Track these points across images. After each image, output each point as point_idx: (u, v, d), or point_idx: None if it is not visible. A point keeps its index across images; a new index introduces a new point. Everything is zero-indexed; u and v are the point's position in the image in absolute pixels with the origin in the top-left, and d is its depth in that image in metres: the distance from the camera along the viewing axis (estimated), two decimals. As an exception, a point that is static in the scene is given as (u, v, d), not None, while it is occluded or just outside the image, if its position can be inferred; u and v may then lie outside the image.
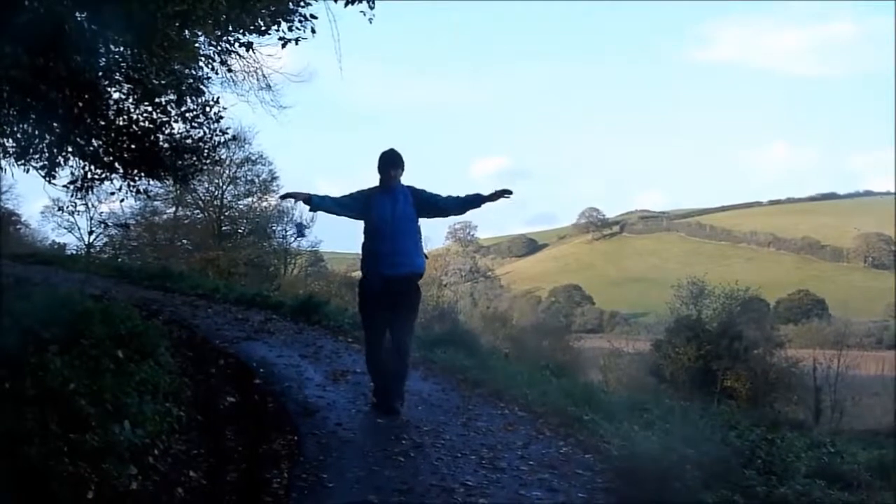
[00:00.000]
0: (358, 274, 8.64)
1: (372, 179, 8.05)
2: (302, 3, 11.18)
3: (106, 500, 4.75)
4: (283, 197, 8.10)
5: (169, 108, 12.91)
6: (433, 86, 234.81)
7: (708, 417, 10.12)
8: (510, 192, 7.91)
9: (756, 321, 38.11)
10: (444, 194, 8.14)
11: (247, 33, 11.56)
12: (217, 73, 12.81)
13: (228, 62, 12.68)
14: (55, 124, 11.53)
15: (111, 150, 13.26)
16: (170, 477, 5.70)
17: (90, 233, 37.03)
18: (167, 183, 20.36)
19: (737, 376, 31.20)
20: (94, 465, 4.94)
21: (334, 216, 7.91)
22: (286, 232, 40.56)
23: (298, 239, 37.45)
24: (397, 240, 7.87)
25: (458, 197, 8.10)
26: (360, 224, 8.12)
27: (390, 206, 7.87)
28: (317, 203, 7.80)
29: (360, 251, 8.19)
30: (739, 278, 41.39)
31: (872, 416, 30.97)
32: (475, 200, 8.03)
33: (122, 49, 10.55)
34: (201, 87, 12.71)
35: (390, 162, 7.95)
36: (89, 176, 13.63)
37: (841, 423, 31.20)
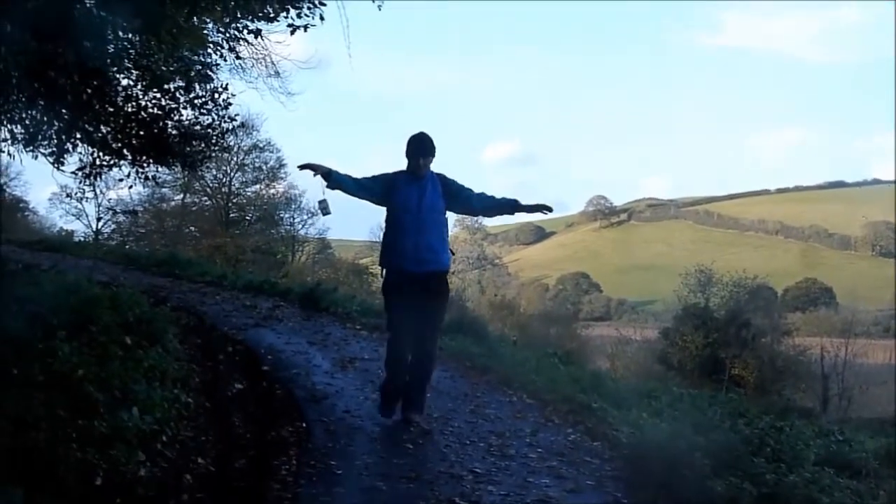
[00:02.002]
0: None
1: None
2: (311, -10, 11.14)
3: (114, 487, 4.75)
4: (302, 167, 7.41)
5: (177, 94, 12.95)
6: (443, 72, 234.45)
7: (716, 405, 10.15)
8: (550, 209, 7.29)
9: (764, 309, 37.98)
10: (475, 189, 7.33)
11: (255, 20, 11.53)
12: (225, 60, 12.84)
13: (237, 49, 12.68)
14: (63, 111, 11.54)
15: (119, 136, 13.30)
16: (178, 463, 5.70)
17: (98, 219, 37.38)
18: (175, 170, 20.38)
19: (744, 364, 31.16)
20: (103, 451, 4.95)
21: (352, 198, 7.20)
22: (294, 219, 40.70)
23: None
24: (422, 233, 7.01)
25: (492, 197, 7.33)
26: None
27: (416, 195, 7.04)
28: (336, 179, 7.04)
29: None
30: (747, 266, 41.44)
31: (880, 404, 30.92)
32: (509, 206, 7.33)
33: (130, 35, 10.56)
34: (210, 73, 12.75)
35: (420, 148, 7.09)
36: (97, 162, 13.69)
37: (848, 411, 31.23)
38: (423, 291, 7.05)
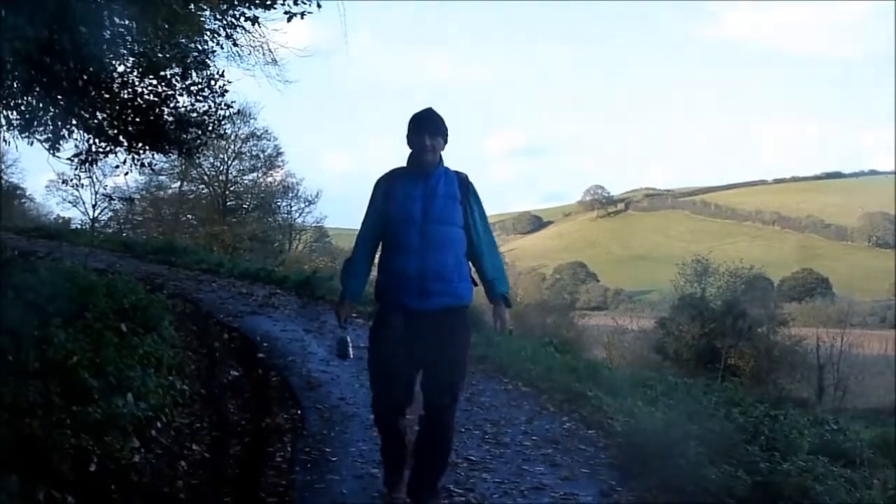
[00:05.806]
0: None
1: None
2: (307, -23, 11.10)
3: (108, 473, 4.75)
4: (342, 322, 5.12)
5: (174, 81, 12.91)
6: (444, 63, 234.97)
7: (711, 394, 10.13)
8: (504, 330, 5.26)
9: (760, 299, 37.97)
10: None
11: (252, 7, 11.49)
12: (222, 48, 12.77)
13: (234, 36, 12.61)
14: (59, 97, 11.50)
15: (116, 123, 13.25)
16: (172, 450, 5.70)
17: (94, 206, 37.25)
18: (172, 157, 20.31)
19: (740, 354, 31.23)
20: (97, 437, 4.94)
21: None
22: (291, 207, 40.70)
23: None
24: (430, 252, 4.80)
25: (497, 259, 5.25)
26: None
27: (421, 199, 4.84)
28: (358, 292, 5.14)
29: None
30: (744, 256, 41.40)
31: (875, 394, 31.05)
32: (492, 290, 5.10)
33: (127, 22, 10.51)
34: (206, 60, 12.70)
35: (423, 124, 4.88)
36: (94, 149, 13.64)
37: (844, 401, 31.31)
38: (431, 336, 4.83)
